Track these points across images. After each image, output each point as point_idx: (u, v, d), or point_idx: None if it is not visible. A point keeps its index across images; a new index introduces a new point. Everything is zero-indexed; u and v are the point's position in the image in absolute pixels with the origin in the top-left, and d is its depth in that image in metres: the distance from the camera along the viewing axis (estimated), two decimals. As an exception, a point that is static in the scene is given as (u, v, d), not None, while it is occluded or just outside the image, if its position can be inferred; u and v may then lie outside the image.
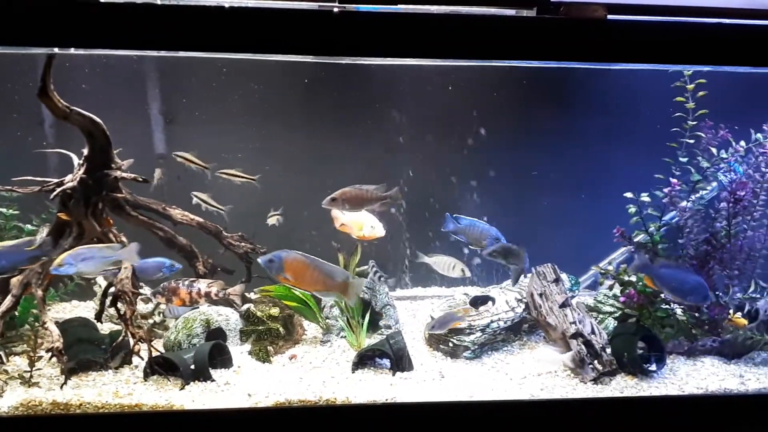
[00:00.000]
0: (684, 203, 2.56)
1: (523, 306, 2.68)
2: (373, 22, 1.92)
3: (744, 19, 2.02)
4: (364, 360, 2.44)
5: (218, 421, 2.10)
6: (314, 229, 2.79)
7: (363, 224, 2.55)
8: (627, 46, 1.83)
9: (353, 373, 2.38)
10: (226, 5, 2.01)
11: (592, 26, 1.83)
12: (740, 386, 2.35)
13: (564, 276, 2.82)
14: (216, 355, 2.36)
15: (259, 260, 2.10)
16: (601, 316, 2.68)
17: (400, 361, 2.40)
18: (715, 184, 2.58)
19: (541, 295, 2.60)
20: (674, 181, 2.33)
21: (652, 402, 2.29)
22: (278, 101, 2.90)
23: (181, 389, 2.18)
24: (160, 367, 2.22)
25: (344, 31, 1.91)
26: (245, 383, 2.27)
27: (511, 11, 2.19)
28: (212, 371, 2.28)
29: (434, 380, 2.38)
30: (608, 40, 1.83)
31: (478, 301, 2.70)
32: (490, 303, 2.69)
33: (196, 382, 2.22)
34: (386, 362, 2.43)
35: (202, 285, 2.46)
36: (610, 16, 1.85)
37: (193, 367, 2.23)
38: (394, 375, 2.36)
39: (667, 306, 2.57)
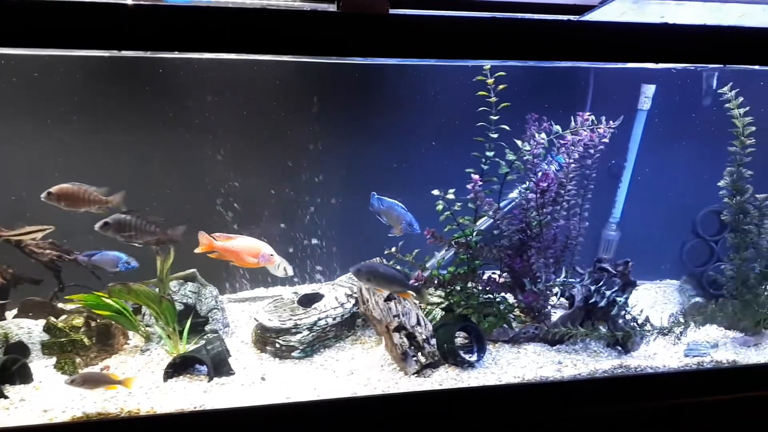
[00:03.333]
0: (515, 194, 2.63)
1: (353, 301, 2.67)
2: (166, 15, 1.83)
3: (528, 13, 2.08)
4: (181, 368, 2.34)
5: (3, 442, 1.96)
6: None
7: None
8: (408, 41, 1.84)
9: (165, 381, 2.28)
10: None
11: (373, 21, 1.82)
12: (556, 373, 2.42)
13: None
14: (11, 370, 2.20)
15: None
16: (429, 307, 2.71)
17: (218, 367, 2.33)
18: (540, 174, 2.66)
19: (368, 289, 2.60)
20: (475, 177, 2.37)
21: (469, 393, 2.32)
22: (87, 99, 2.74)
23: (-33, 410, 2.03)
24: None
25: (138, 24, 1.82)
26: (44, 398, 2.12)
27: (323, 6, 2.17)
28: (7, 387, 2.14)
29: (254, 384, 2.32)
30: (389, 34, 1.82)
31: (307, 300, 2.67)
32: (323, 299, 2.68)
33: (-14, 401, 2.08)
34: (205, 369, 2.35)
35: None
36: (392, 11, 1.86)
37: (-19, 385, 2.08)
38: (210, 381, 2.29)
39: (490, 295, 2.64)
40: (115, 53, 2.01)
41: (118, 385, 2.12)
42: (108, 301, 2.38)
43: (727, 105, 2.42)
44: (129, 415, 2.07)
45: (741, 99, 2.40)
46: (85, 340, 2.35)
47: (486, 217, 2.60)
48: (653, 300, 3.16)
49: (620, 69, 2.73)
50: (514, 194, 2.77)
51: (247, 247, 2.62)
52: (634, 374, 2.44)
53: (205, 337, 2.57)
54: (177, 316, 2.47)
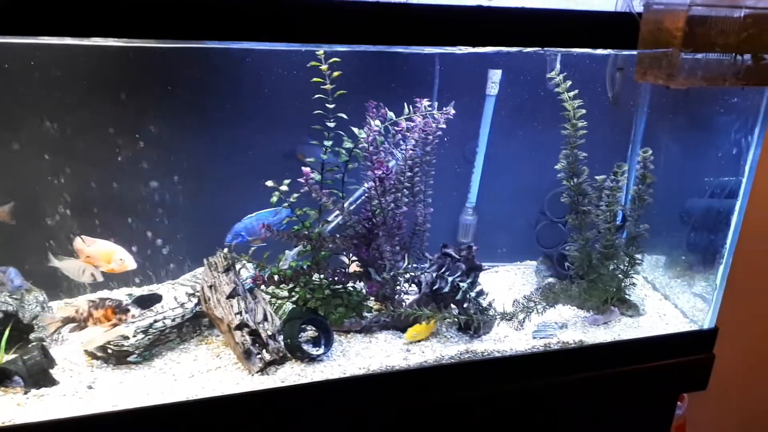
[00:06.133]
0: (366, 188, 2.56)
1: (195, 300, 2.54)
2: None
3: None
4: (-6, 380, 2.17)
5: None
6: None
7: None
8: (165, 20, 1.72)
9: (-28, 397, 2.11)
10: None
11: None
12: (403, 361, 2.40)
13: (250, 265, 2.73)
14: None
15: None
16: (279, 301, 2.63)
17: (37, 378, 2.16)
18: (393, 163, 2.61)
19: (210, 287, 2.47)
20: (306, 170, 2.29)
21: (310, 388, 2.26)
22: None
23: None
24: None
25: None
26: None
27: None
28: None
29: (77, 393, 2.17)
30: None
31: (143, 301, 2.52)
32: (162, 300, 2.54)
33: None
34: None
35: None
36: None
37: None
38: (25, 394, 2.12)
39: (340, 286, 2.58)
40: None
41: None
42: None
43: (556, 89, 2.45)
44: None
45: (569, 83, 2.44)
46: None
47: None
48: (512, 282, 3.20)
49: (467, 54, 2.70)
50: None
51: (103, 251, 2.49)
52: (480, 359, 2.45)
53: (33, 345, 2.38)
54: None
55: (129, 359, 2.37)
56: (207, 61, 2.61)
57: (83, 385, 2.21)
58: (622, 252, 2.74)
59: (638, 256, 2.76)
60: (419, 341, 2.53)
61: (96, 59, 2.45)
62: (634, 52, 2.11)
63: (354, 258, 2.58)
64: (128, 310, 2.32)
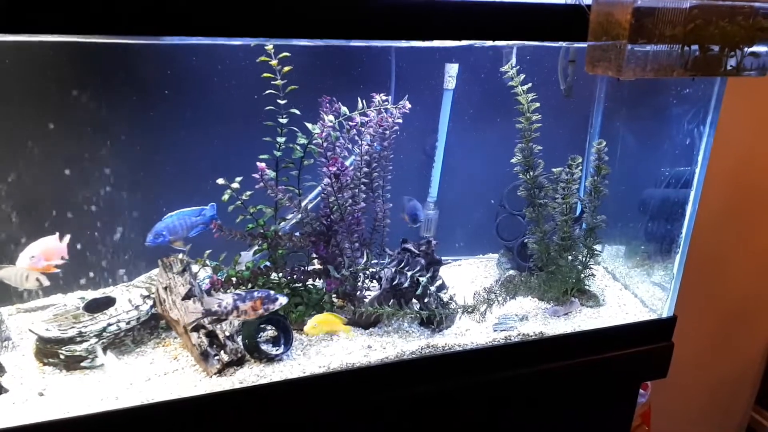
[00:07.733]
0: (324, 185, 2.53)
1: (151, 302, 2.49)
2: None
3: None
4: (-62, 391, 2.09)
5: None
6: None
7: None
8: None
9: None
10: None
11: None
12: (364, 358, 2.38)
13: (209, 266, 2.69)
14: None
15: None
16: (237, 302, 2.59)
17: (-17, 386, 2.11)
18: (351, 159, 2.58)
19: (166, 288, 2.43)
20: (261, 165, 2.25)
21: (269, 388, 2.23)
22: None
23: None
24: None
25: None
26: None
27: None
28: None
29: (28, 400, 2.10)
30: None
31: (97, 304, 2.46)
32: (116, 303, 2.48)
33: None
34: (-29, 390, 2.11)
35: None
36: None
37: None
38: (-29, 403, 2.06)
39: (300, 284, 2.56)
40: None
41: None
42: None
43: (510, 83, 2.45)
44: None
45: (523, 76, 2.44)
46: None
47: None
48: (474, 275, 3.20)
49: (424, 48, 2.70)
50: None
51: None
52: (441, 353, 2.45)
53: (-20, 354, 2.31)
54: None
55: (82, 364, 2.31)
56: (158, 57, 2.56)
57: (34, 392, 2.15)
58: (580, 243, 2.76)
59: (597, 247, 2.78)
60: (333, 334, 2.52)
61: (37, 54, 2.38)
62: (585, 45, 2.11)
63: (314, 256, 2.55)
64: (277, 299, 2.21)
